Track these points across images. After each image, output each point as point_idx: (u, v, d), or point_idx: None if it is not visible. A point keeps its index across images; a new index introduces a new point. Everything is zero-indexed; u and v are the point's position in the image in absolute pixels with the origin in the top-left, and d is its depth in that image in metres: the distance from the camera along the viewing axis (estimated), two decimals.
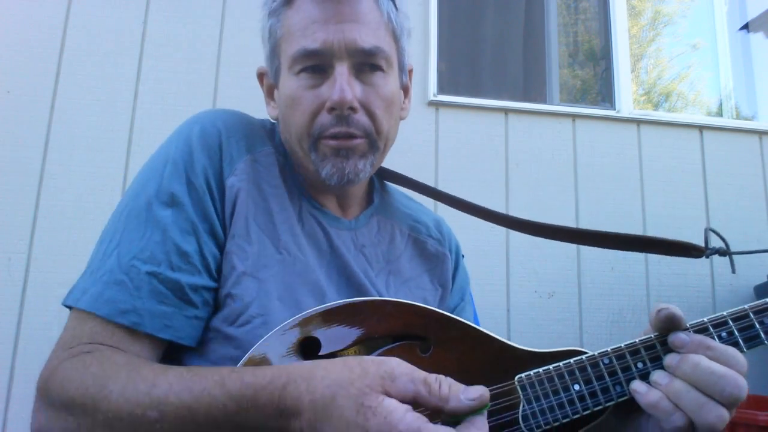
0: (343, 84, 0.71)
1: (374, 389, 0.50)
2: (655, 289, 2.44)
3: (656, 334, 0.64)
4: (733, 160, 2.64)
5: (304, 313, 0.65)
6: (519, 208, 2.39)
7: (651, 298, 2.43)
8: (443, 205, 0.98)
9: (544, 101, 2.78)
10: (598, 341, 2.33)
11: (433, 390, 0.51)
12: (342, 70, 0.72)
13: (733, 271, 0.84)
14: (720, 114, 2.93)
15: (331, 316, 0.65)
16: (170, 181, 0.70)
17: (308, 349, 0.64)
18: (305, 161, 0.77)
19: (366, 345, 0.65)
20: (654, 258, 2.47)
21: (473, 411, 0.52)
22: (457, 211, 0.96)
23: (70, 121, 2.19)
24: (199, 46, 2.32)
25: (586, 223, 2.45)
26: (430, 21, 2.54)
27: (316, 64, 0.73)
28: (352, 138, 0.74)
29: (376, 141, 0.76)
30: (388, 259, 0.85)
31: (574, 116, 2.58)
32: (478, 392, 0.52)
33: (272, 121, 0.87)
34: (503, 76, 2.84)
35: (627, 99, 2.66)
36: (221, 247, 0.71)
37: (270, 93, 0.85)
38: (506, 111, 2.53)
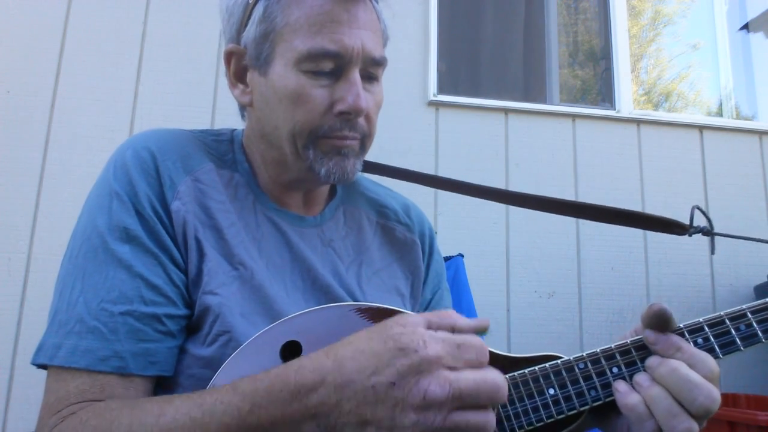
0: (360, 91, 0.72)
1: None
2: (655, 289, 2.44)
3: (632, 339, 0.65)
4: (733, 160, 2.64)
5: (285, 319, 0.65)
6: (519, 207, 2.39)
7: (651, 298, 2.42)
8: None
9: (544, 101, 2.78)
10: (598, 341, 2.33)
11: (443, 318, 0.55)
12: (356, 77, 0.73)
13: (713, 252, 0.84)
14: (720, 114, 2.93)
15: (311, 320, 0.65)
16: (120, 216, 0.68)
17: (290, 354, 0.63)
18: (290, 158, 0.76)
19: None
20: (654, 258, 2.47)
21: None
22: (455, 197, 0.95)
23: (70, 121, 2.19)
24: (199, 46, 2.32)
25: (586, 223, 2.44)
26: (430, 21, 2.54)
27: (330, 65, 0.72)
28: (353, 139, 0.75)
29: (366, 143, 0.78)
30: (358, 250, 0.85)
31: (574, 116, 2.58)
32: (478, 321, 0.57)
33: (206, 129, 0.84)
34: (503, 76, 2.84)
35: (627, 99, 2.66)
36: (185, 273, 0.70)
37: (240, 76, 0.80)
38: (506, 111, 2.53)
